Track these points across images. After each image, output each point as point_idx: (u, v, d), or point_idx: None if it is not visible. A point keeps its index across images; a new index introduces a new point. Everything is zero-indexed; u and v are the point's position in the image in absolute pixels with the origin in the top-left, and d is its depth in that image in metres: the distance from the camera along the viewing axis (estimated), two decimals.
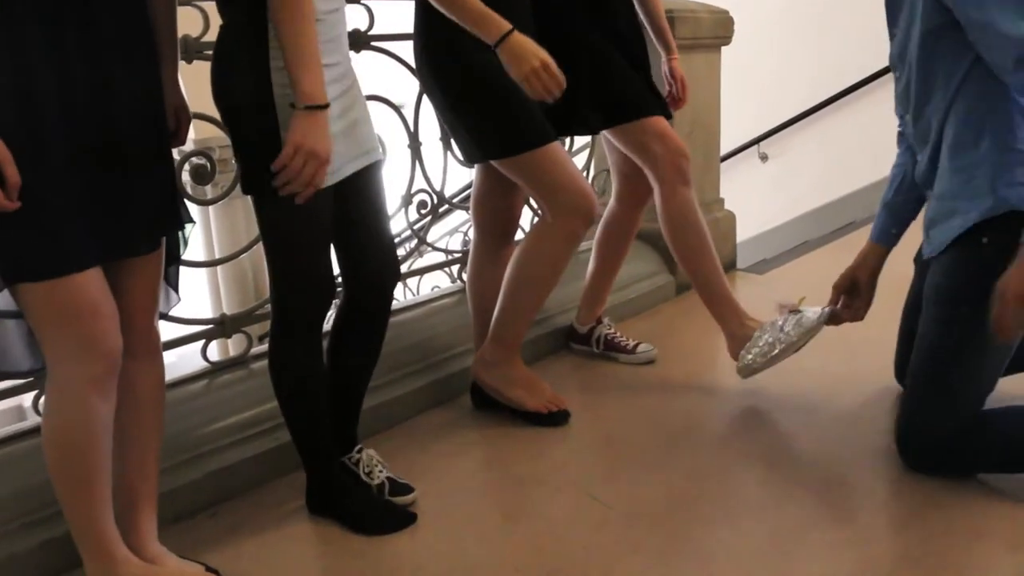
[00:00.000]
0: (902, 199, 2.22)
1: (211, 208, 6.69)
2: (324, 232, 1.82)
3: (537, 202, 2.31)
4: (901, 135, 2.23)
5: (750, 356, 2.43)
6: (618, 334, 2.92)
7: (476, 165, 2.46)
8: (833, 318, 2.33)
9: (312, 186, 1.66)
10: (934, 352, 1.97)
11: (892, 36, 2.08)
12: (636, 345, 2.87)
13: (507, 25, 1.95)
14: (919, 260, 2.22)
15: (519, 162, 2.22)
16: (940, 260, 1.98)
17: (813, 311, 2.37)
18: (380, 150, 1.93)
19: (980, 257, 1.88)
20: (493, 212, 2.47)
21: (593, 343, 2.91)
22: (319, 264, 1.83)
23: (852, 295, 2.30)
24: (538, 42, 2.09)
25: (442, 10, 2.00)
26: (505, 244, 2.50)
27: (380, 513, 1.99)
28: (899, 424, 2.06)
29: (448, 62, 2.20)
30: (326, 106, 1.63)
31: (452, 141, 2.80)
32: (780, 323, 2.41)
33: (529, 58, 1.96)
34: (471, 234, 2.59)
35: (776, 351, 2.38)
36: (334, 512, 1.99)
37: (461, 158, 2.47)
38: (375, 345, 2.05)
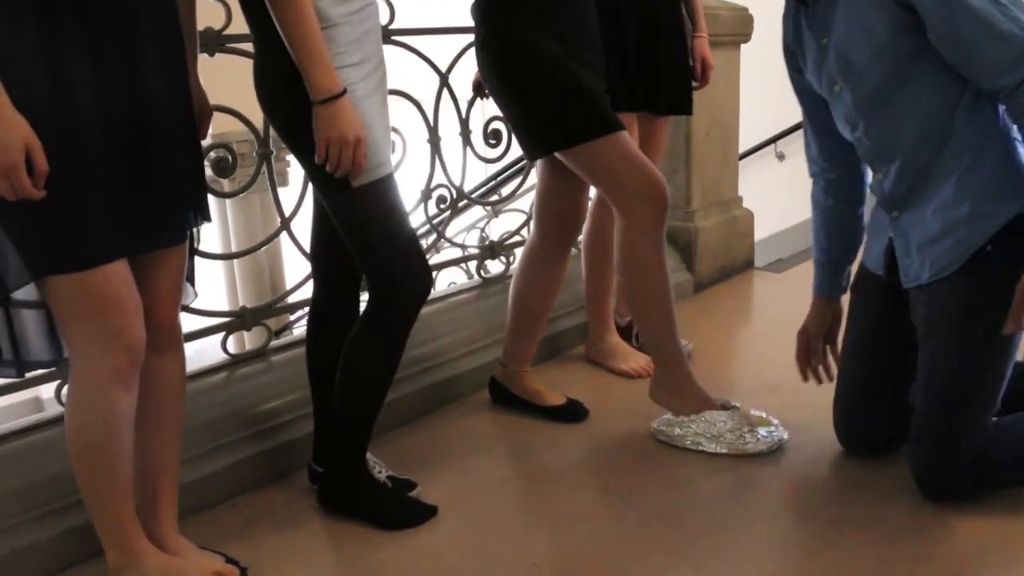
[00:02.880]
0: (841, 245, 2.13)
1: (228, 202, 6.74)
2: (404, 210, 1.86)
3: (606, 196, 2.24)
4: (819, 177, 2.12)
5: (678, 431, 2.26)
6: None
7: (539, 164, 2.39)
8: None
9: (358, 166, 1.70)
10: (955, 387, 1.83)
11: (811, 51, 1.93)
12: None
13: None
14: (866, 288, 2.07)
15: (586, 151, 2.16)
16: (938, 284, 1.83)
17: (764, 433, 2.21)
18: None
19: (988, 267, 1.77)
20: (559, 214, 2.39)
21: (633, 337, 2.90)
22: (413, 234, 1.89)
23: (819, 352, 2.21)
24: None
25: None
26: (564, 249, 2.43)
27: (401, 508, 2.00)
28: (918, 466, 1.92)
29: (513, 53, 2.16)
30: (342, 92, 1.66)
31: (477, 137, 2.82)
32: (728, 424, 2.23)
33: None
34: (488, 231, 2.58)
35: (701, 444, 2.23)
36: (354, 509, 1.99)
37: (526, 153, 2.35)
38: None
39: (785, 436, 2.23)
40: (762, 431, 2.22)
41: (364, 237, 1.81)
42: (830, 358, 2.23)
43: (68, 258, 1.48)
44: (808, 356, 2.23)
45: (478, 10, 2.21)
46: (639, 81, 2.56)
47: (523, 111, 2.21)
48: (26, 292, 1.60)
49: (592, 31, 2.24)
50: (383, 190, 1.80)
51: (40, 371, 1.87)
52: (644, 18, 2.54)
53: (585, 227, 2.70)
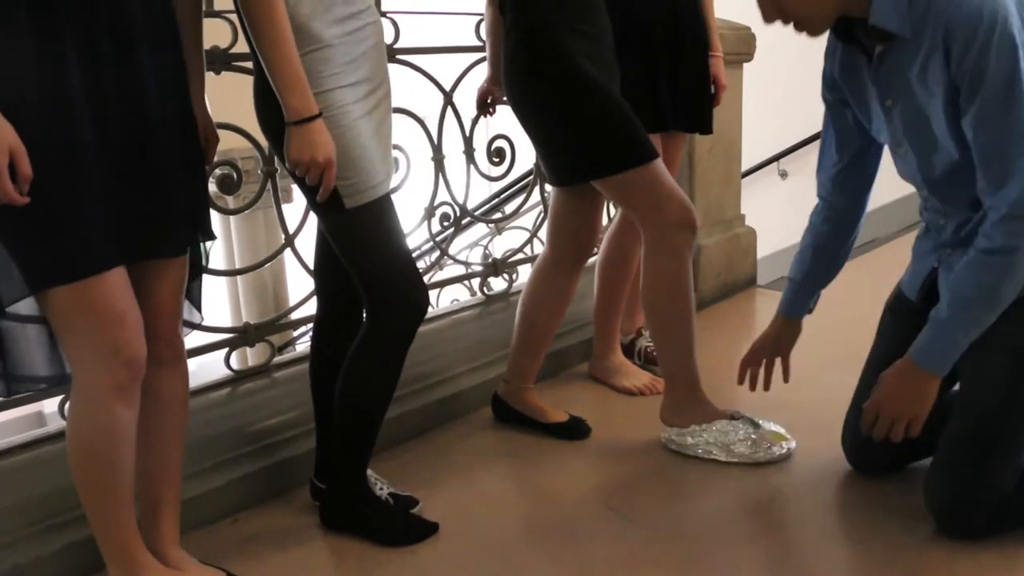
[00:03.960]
0: (822, 270, 2.13)
1: (232, 219, 6.76)
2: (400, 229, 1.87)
3: (641, 221, 2.25)
4: (823, 200, 2.10)
5: (690, 440, 2.30)
6: None
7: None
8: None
9: (326, 189, 1.70)
10: (1000, 412, 1.77)
11: (873, 105, 1.87)
12: None
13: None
14: (900, 311, 2.07)
15: (626, 179, 2.16)
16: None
17: (779, 447, 2.26)
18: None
19: None
20: (574, 233, 2.39)
21: (635, 355, 2.92)
22: (410, 254, 1.89)
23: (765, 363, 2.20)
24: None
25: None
26: (577, 269, 2.43)
27: (403, 525, 2.00)
28: (938, 498, 1.84)
29: (554, 77, 2.14)
30: (317, 116, 1.66)
31: (474, 156, 2.83)
32: (740, 432, 2.29)
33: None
34: (492, 248, 2.59)
35: (712, 453, 2.27)
36: (356, 526, 1.99)
37: (554, 179, 2.34)
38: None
39: (794, 445, 2.28)
40: (776, 447, 2.26)
41: (360, 257, 1.82)
42: (775, 368, 2.21)
43: (64, 268, 1.48)
44: (753, 362, 2.21)
45: (513, 35, 2.20)
46: (667, 99, 2.56)
47: (565, 138, 2.20)
48: (27, 307, 1.60)
49: (612, 50, 2.26)
50: (378, 211, 1.80)
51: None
52: (669, 35, 2.53)
53: (603, 247, 2.71)
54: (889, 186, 2.20)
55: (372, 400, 1.92)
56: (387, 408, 1.94)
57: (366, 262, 1.82)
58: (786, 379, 2.21)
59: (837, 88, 1.97)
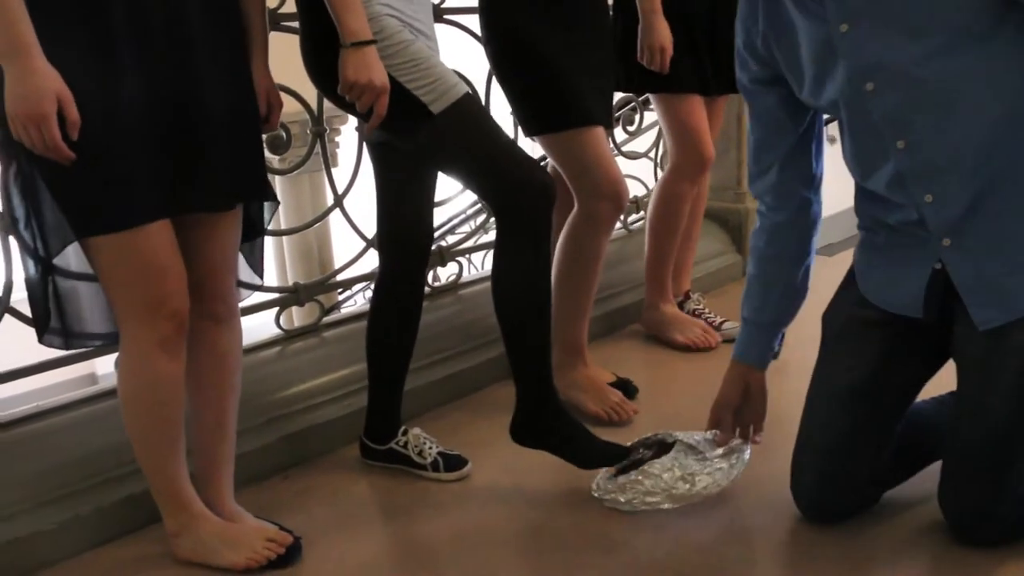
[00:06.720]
0: (778, 305, 1.84)
1: (278, 181, 6.80)
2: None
3: (570, 185, 2.28)
4: (764, 218, 1.81)
5: (622, 498, 1.88)
6: (706, 310, 2.92)
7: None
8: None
9: (378, 116, 1.70)
10: (1016, 423, 1.58)
11: (810, 47, 1.59)
12: (723, 322, 2.87)
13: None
14: (864, 332, 1.76)
15: (557, 139, 2.21)
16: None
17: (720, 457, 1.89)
18: None
19: None
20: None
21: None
22: (513, 140, 1.91)
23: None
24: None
25: None
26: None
27: (598, 447, 1.97)
28: (960, 510, 1.67)
29: (502, 31, 2.19)
30: (372, 42, 1.67)
31: None
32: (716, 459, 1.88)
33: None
34: None
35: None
36: (552, 446, 1.96)
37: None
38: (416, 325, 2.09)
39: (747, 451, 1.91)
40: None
41: (468, 156, 1.82)
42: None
43: (106, 219, 1.49)
44: (722, 428, 1.90)
45: None
46: (708, 63, 2.59)
47: (511, 94, 2.26)
48: (80, 265, 1.61)
49: (591, 27, 2.25)
50: (468, 107, 1.80)
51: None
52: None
53: (653, 196, 2.78)
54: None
55: (539, 298, 1.88)
56: (550, 303, 1.88)
57: (477, 159, 1.82)
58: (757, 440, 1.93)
59: (755, 55, 1.72)
